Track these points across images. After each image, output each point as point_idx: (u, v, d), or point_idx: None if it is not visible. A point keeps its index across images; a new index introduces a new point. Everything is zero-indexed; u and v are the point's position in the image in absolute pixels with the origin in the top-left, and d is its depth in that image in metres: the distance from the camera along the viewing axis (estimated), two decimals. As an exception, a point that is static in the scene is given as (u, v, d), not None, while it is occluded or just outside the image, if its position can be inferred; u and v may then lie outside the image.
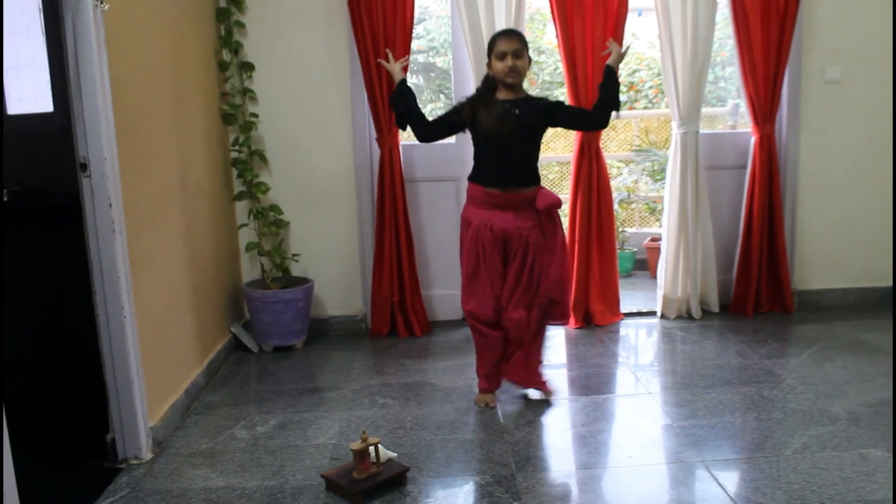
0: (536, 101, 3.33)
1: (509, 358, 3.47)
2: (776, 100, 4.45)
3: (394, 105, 3.46)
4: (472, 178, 3.38)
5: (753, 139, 4.51)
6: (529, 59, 3.29)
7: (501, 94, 3.29)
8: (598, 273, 4.53)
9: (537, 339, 3.46)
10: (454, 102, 4.48)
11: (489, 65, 3.30)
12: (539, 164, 3.38)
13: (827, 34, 4.51)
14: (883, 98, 4.58)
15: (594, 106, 3.37)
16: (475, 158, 3.38)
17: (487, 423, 3.28)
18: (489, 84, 3.31)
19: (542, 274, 3.33)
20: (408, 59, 3.80)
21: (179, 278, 3.56)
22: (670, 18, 4.32)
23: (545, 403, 3.46)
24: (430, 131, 3.41)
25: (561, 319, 3.52)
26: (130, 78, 3.05)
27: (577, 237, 4.47)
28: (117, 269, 2.85)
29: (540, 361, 3.54)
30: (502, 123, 3.22)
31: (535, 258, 3.30)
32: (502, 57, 3.21)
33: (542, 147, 3.45)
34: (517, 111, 3.25)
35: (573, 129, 3.87)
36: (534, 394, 3.54)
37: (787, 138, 4.58)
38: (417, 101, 3.43)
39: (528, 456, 2.97)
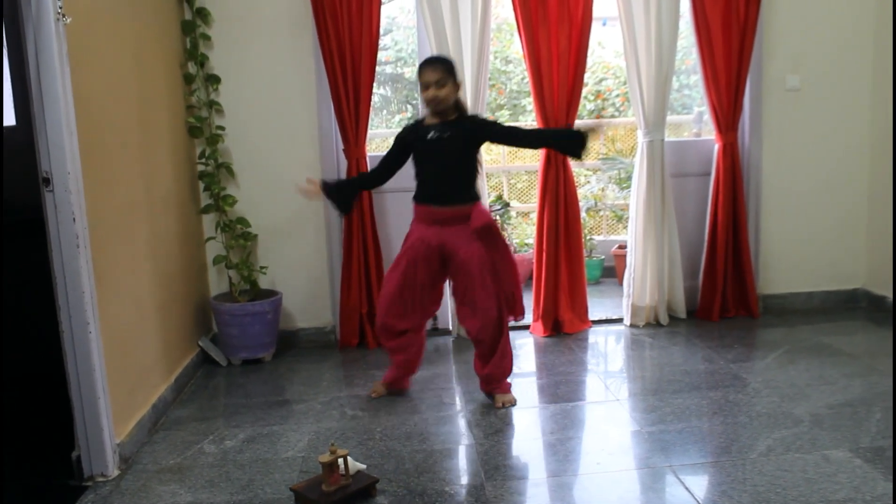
0: (469, 121, 3.45)
1: (480, 363, 3.57)
2: (738, 108, 4.52)
3: (339, 198, 3.65)
4: (414, 198, 3.52)
5: (717, 147, 4.58)
6: (457, 84, 3.42)
7: (433, 119, 3.44)
8: (567, 281, 4.55)
9: (500, 341, 3.50)
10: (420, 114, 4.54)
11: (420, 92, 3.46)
12: (484, 178, 3.49)
13: (787, 43, 4.60)
14: (842, 105, 4.69)
15: (551, 132, 3.50)
16: (415, 178, 3.51)
17: (456, 432, 3.28)
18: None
19: (499, 270, 3.44)
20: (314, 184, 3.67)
21: (146, 293, 3.53)
22: (634, 28, 4.37)
23: (514, 412, 3.47)
24: (382, 173, 3.62)
25: (518, 315, 3.59)
26: (94, 91, 3.03)
27: (544, 246, 4.49)
28: (82, 284, 2.82)
29: (506, 367, 3.56)
30: (432, 146, 3.39)
31: (479, 267, 3.39)
32: (426, 88, 3.37)
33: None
34: (447, 134, 3.39)
35: (508, 145, 3.94)
36: (499, 399, 3.53)
37: (749, 145, 4.65)
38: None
39: (498, 465, 2.98)
